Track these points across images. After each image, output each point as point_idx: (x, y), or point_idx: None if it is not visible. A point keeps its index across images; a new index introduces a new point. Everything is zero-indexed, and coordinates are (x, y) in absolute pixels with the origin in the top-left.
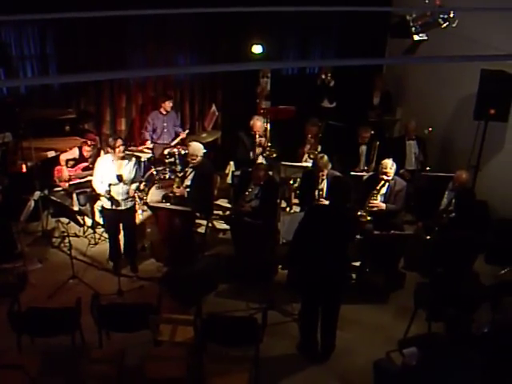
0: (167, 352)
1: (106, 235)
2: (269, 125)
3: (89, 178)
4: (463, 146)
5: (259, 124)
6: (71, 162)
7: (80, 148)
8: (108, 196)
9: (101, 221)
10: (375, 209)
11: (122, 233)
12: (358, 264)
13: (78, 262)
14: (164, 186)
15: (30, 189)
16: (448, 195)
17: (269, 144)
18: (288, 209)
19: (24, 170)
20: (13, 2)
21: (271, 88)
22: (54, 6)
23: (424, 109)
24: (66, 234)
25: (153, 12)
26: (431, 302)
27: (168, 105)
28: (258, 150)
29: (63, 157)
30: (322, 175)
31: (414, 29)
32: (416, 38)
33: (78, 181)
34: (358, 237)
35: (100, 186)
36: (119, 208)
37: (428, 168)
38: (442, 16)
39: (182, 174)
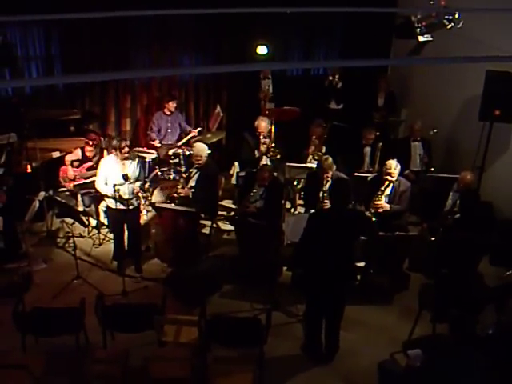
0: (171, 352)
1: (110, 236)
2: (273, 126)
3: (94, 179)
4: (468, 147)
5: (264, 125)
6: (76, 163)
7: (82, 149)
8: (117, 197)
9: (105, 221)
10: (380, 210)
11: (126, 233)
12: (362, 265)
13: (83, 262)
14: (168, 186)
15: (34, 189)
16: (453, 196)
17: (273, 145)
18: (292, 210)
19: (29, 170)
20: (18, 2)
21: (275, 89)
22: (59, 6)
23: (429, 110)
24: (70, 234)
25: (158, 13)
26: (436, 303)
27: (172, 105)
28: (263, 150)
29: (68, 158)
30: (327, 177)
31: (418, 30)
32: (421, 38)
33: (84, 181)
34: (363, 238)
35: (104, 187)
36: (125, 208)
37: (432, 169)
38: (447, 17)
39: (186, 174)
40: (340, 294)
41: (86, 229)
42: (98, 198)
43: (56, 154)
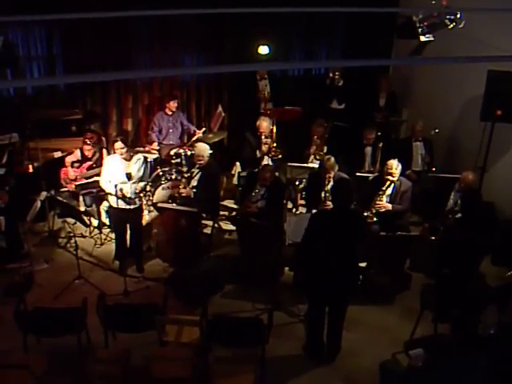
0: (173, 352)
1: (112, 236)
2: (275, 126)
3: (95, 179)
4: (470, 147)
5: (265, 124)
6: (76, 164)
7: (81, 149)
8: (120, 196)
9: (107, 221)
10: (382, 209)
11: (128, 233)
12: (363, 265)
13: (84, 262)
14: (170, 186)
15: (36, 189)
16: (454, 196)
17: (274, 145)
18: (294, 210)
19: (30, 170)
20: (19, 2)
21: (277, 89)
22: (61, 6)
23: (430, 110)
24: (72, 234)
25: (159, 13)
26: (437, 303)
27: (173, 105)
28: (264, 150)
29: (68, 159)
30: (329, 177)
31: (420, 29)
32: (422, 38)
33: (85, 181)
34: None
35: (108, 186)
36: (127, 207)
37: (434, 169)
38: (448, 17)
39: (188, 174)
40: (343, 294)
41: (88, 229)
42: (100, 197)
43: (58, 154)
